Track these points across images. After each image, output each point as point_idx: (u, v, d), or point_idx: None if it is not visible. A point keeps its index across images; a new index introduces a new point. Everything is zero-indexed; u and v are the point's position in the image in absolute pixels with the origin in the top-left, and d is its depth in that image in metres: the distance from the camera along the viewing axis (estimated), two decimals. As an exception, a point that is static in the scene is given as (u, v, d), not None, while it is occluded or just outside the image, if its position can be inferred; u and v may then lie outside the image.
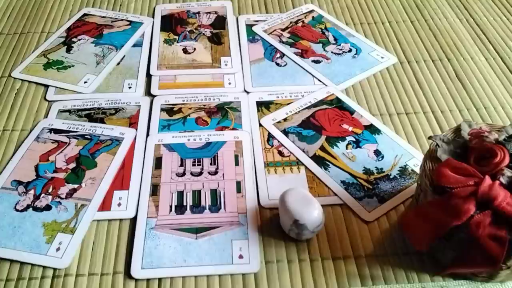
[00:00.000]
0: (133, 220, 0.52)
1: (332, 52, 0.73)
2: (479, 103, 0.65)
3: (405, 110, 0.65)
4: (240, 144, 0.60)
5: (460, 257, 0.43)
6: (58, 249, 0.49)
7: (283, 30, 0.77)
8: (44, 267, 0.49)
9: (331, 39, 0.75)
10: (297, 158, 0.58)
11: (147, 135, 0.61)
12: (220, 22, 0.79)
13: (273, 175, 0.56)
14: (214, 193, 0.54)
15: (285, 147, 0.59)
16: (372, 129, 0.61)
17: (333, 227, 0.52)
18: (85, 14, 0.81)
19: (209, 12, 0.81)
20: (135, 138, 0.61)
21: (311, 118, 0.63)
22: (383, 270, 0.48)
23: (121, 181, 0.56)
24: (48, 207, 0.53)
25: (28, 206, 0.53)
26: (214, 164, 0.57)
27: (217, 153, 0.59)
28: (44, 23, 0.80)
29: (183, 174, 0.56)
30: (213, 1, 0.83)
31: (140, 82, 0.69)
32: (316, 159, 0.58)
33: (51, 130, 0.62)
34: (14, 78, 0.70)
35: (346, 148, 0.59)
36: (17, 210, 0.53)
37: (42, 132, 0.61)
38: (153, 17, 0.80)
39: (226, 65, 0.71)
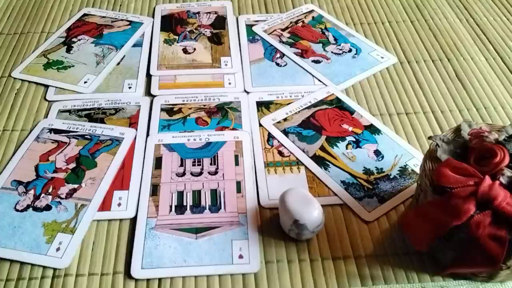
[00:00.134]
0: (133, 220, 0.52)
1: (332, 52, 0.73)
2: (479, 103, 0.65)
3: (405, 110, 0.65)
4: (240, 144, 0.60)
5: (460, 257, 0.43)
6: (58, 249, 0.49)
7: (283, 30, 0.77)
8: (44, 267, 0.49)
9: (331, 39, 0.75)
10: (297, 158, 0.58)
11: (147, 135, 0.61)
12: (220, 22, 0.79)
13: (273, 175, 0.56)
14: (214, 193, 0.54)
15: (285, 147, 0.59)
16: (372, 129, 0.61)
17: (333, 227, 0.52)
18: (85, 14, 0.81)
19: (209, 12, 0.81)
20: (135, 138, 0.61)
21: (311, 118, 0.63)
22: (383, 270, 0.48)
23: (121, 181, 0.56)
24: (48, 207, 0.53)
25: (28, 206, 0.53)
26: (214, 164, 0.57)
27: (217, 153, 0.59)
28: (44, 23, 0.80)
29: (183, 174, 0.56)
30: (213, 1, 0.83)
31: (140, 82, 0.69)
32: (316, 159, 0.58)
33: (51, 130, 0.62)
34: (14, 78, 0.70)
35: (346, 148, 0.59)
36: (17, 210, 0.53)
37: (42, 132, 0.61)
38: (153, 17, 0.80)
39: (226, 65, 0.71)
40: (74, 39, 0.76)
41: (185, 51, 0.74)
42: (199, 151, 0.59)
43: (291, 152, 0.59)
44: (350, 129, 0.61)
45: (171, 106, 0.65)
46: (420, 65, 0.71)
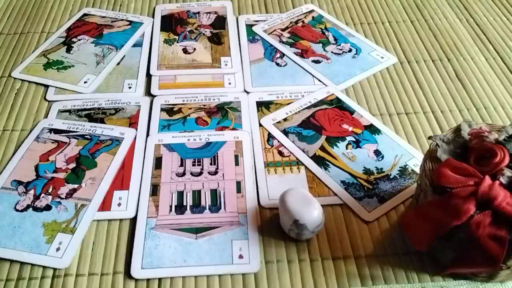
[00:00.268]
0: (133, 220, 0.52)
1: (332, 52, 0.73)
2: (479, 103, 0.65)
3: (405, 110, 0.65)
4: (240, 144, 0.60)
5: (460, 257, 0.43)
6: (58, 249, 0.49)
7: (283, 30, 0.77)
8: (44, 267, 0.49)
9: (331, 39, 0.75)
10: (297, 158, 0.58)
11: (147, 135, 0.61)
12: (220, 22, 0.79)
13: (273, 175, 0.56)
14: (214, 193, 0.54)
15: (285, 147, 0.59)
16: (372, 129, 0.61)
17: (333, 227, 0.52)
18: (85, 14, 0.81)
19: (209, 12, 0.81)
20: (135, 138, 0.61)
21: (311, 118, 0.63)
22: (383, 270, 0.48)
23: (121, 181, 0.56)
24: (48, 207, 0.53)
25: (28, 206, 0.53)
26: (214, 164, 0.57)
27: (217, 153, 0.59)
28: (44, 23, 0.80)
29: (183, 174, 0.56)
30: (213, 1, 0.83)
31: (140, 82, 0.69)
32: (316, 159, 0.58)
33: (51, 130, 0.62)
34: (14, 78, 0.70)
35: (346, 148, 0.59)
36: (17, 210, 0.53)
37: (42, 132, 0.61)
38: (153, 17, 0.80)
39: (226, 65, 0.71)
40: (74, 39, 0.76)
41: (185, 51, 0.74)
42: (199, 151, 0.59)
43: (291, 152, 0.59)
44: (350, 129, 0.61)
45: (171, 106, 0.65)
46: (420, 65, 0.71)
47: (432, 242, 0.43)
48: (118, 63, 0.72)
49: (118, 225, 0.52)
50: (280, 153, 0.59)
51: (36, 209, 0.53)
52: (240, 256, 0.49)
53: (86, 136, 0.61)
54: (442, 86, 0.68)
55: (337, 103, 0.65)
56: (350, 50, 0.73)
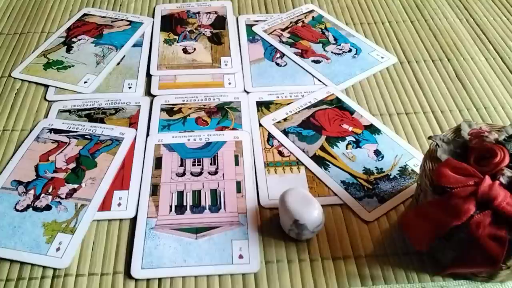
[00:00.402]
0: (133, 220, 0.52)
1: (332, 52, 0.73)
2: (479, 103, 0.65)
3: (405, 110, 0.65)
4: (240, 144, 0.60)
5: (460, 257, 0.43)
6: (58, 249, 0.49)
7: (283, 30, 0.77)
8: (44, 267, 0.49)
9: (331, 39, 0.75)
10: (297, 158, 0.58)
11: (147, 135, 0.61)
12: (220, 22, 0.79)
13: (273, 175, 0.56)
14: (214, 193, 0.54)
15: (285, 147, 0.59)
16: (372, 129, 0.61)
17: (333, 227, 0.52)
18: (85, 14, 0.81)
19: (209, 12, 0.81)
20: (135, 138, 0.61)
21: (311, 118, 0.63)
22: (383, 270, 0.48)
23: (121, 181, 0.56)
24: (48, 207, 0.53)
25: (28, 206, 0.53)
26: (214, 164, 0.57)
27: (217, 153, 0.59)
28: (44, 23, 0.80)
29: (183, 174, 0.56)
30: (213, 1, 0.83)
31: (140, 82, 0.69)
32: (316, 159, 0.58)
33: (51, 130, 0.62)
34: (14, 78, 0.70)
35: (346, 148, 0.59)
36: (17, 210, 0.53)
37: (42, 132, 0.61)
38: (153, 17, 0.80)
39: (226, 65, 0.71)
40: (74, 39, 0.76)
41: (185, 51, 0.74)
42: (199, 151, 0.59)
43: (291, 152, 0.59)
44: (350, 129, 0.61)
45: (171, 106, 0.65)
46: (420, 65, 0.71)
47: (432, 242, 0.43)
48: (118, 63, 0.72)
49: (118, 225, 0.52)
50: (280, 153, 0.59)
51: (36, 209, 0.53)
52: (240, 256, 0.49)
53: (86, 136, 0.61)
54: (442, 86, 0.68)
55: (337, 103, 0.65)
56: (350, 50, 0.73)
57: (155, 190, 0.55)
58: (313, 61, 0.72)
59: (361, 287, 0.47)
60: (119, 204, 0.53)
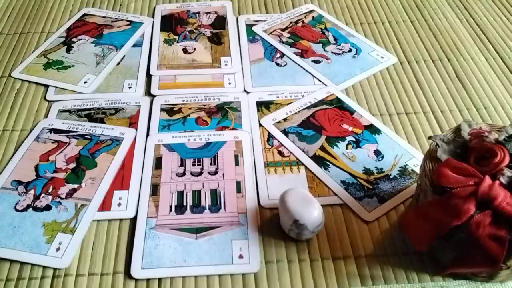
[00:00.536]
0: (133, 220, 0.52)
1: (332, 52, 0.73)
2: (479, 103, 0.65)
3: (405, 110, 0.65)
4: (240, 144, 0.60)
5: (460, 257, 0.43)
6: (58, 249, 0.49)
7: (283, 30, 0.77)
8: (44, 267, 0.49)
9: (331, 39, 0.75)
10: (297, 158, 0.58)
11: (147, 135, 0.61)
12: (220, 22, 0.79)
13: (273, 175, 0.56)
14: (214, 193, 0.54)
15: (285, 147, 0.59)
16: (372, 129, 0.61)
17: (333, 227, 0.52)
18: (85, 14, 0.81)
19: (209, 12, 0.81)
20: (135, 138, 0.61)
21: (311, 118, 0.63)
22: (383, 270, 0.48)
23: (121, 181, 0.56)
24: (48, 207, 0.53)
25: (28, 206, 0.53)
26: (214, 164, 0.57)
27: (217, 153, 0.59)
28: (44, 23, 0.80)
29: (183, 174, 0.56)
30: (213, 1, 0.83)
31: (140, 82, 0.69)
32: (316, 159, 0.58)
33: (51, 130, 0.62)
34: (14, 78, 0.70)
35: (346, 148, 0.59)
36: (17, 210, 0.53)
37: (42, 132, 0.61)
38: (153, 17, 0.80)
39: (226, 65, 0.71)
40: (74, 39, 0.76)
41: (185, 51, 0.74)
42: (199, 151, 0.59)
43: (291, 152, 0.59)
44: (350, 129, 0.61)
45: (171, 106, 0.65)
46: (420, 65, 0.71)
47: (432, 242, 0.43)
48: (118, 63, 0.72)
49: (118, 225, 0.52)
50: (280, 153, 0.59)
51: (36, 209, 0.53)
52: (240, 256, 0.49)
53: (86, 136, 0.61)
54: (442, 86, 0.68)
55: (337, 103, 0.65)
56: (350, 50, 0.73)
57: (155, 190, 0.55)
58: (313, 61, 0.72)
59: (361, 287, 0.47)
60: (119, 204, 0.53)
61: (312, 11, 0.81)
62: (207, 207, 0.53)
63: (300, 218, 0.47)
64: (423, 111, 0.64)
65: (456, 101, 0.66)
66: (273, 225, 0.51)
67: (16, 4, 0.84)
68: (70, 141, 0.60)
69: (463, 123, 0.46)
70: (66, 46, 0.74)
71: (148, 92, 0.67)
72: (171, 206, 0.53)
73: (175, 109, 0.65)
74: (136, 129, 0.62)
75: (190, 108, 0.65)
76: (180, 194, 0.54)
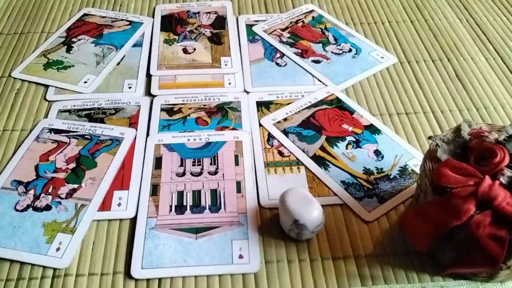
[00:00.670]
0: (133, 220, 0.52)
1: (332, 52, 0.73)
2: (479, 103, 0.65)
3: (405, 110, 0.65)
4: (240, 144, 0.60)
5: (460, 257, 0.43)
6: (58, 249, 0.49)
7: (283, 30, 0.77)
8: (44, 267, 0.49)
9: (331, 39, 0.75)
10: (297, 158, 0.58)
11: (147, 135, 0.61)
12: (220, 22, 0.79)
13: (273, 175, 0.56)
14: (214, 193, 0.54)
15: (285, 147, 0.59)
16: (372, 129, 0.61)
17: (333, 227, 0.52)
18: (85, 14, 0.81)
19: (209, 12, 0.81)
20: (135, 138, 0.61)
21: (311, 118, 0.63)
22: (383, 270, 0.48)
23: (121, 181, 0.56)
24: (48, 207, 0.53)
25: (28, 206, 0.53)
26: (214, 164, 0.57)
27: (217, 153, 0.59)
28: (44, 23, 0.80)
29: (183, 174, 0.56)
30: (213, 1, 0.83)
31: (140, 82, 0.69)
32: (316, 159, 0.58)
33: (51, 130, 0.62)
34: (14, 78, 0.70)
35: (346, 148, 0.59)
36: (17, 210, 0.53)
37: (42, 132, 0.61)
38: (153, 17, 0.80)
39: (226, 65, 0.71)
40: (74, 39, 0.76)
41: (185, 51, 0.74)
42: (199, 151, 0.59)
43: (291, 152, 0.59)
44: (350, 129, 0.61)
45: (171, 106, 0.65)
46: (420, 65, 0.71)
47: (432, 242, 0.43)
48: (118, 63, 0.72)
49: (118, 225, 0.52)
50: (280, 153, 0.59)
51: (36, 209, 0.53)
52: (240, 256, 0.49)
53: (86, 136, 0.61)
54: (442, 86, 0.68)
55: (337, 103, 0.65)
56: (350, 50, 0.73)
57: (155, 190, 0.55)
58: (313, 61, 0.72)
59: (361, 287, 0.47)
60: (119, 204, 0.53)
61: (312, 11, 0.81)
62: (207, 207, 0.53)
63: (300, 218, 0.47)
64: (423, 111, 0.64)
65: (456, 101, 0.66)
66: (273, 225, 0.51)
67: (16, 4, 0.84)
68: (70, 141, 0.60)
69: (463, 123, 0.46)
70: (66, 46, 0.74)
71: (148, 92, 0.67)
72: (171, 206, 0.53)
73: (175, 109, 0.65)
74: (136, 129, 0.62)
75: (190, 108, 0.65)
76: (180, 194, 0.54)
